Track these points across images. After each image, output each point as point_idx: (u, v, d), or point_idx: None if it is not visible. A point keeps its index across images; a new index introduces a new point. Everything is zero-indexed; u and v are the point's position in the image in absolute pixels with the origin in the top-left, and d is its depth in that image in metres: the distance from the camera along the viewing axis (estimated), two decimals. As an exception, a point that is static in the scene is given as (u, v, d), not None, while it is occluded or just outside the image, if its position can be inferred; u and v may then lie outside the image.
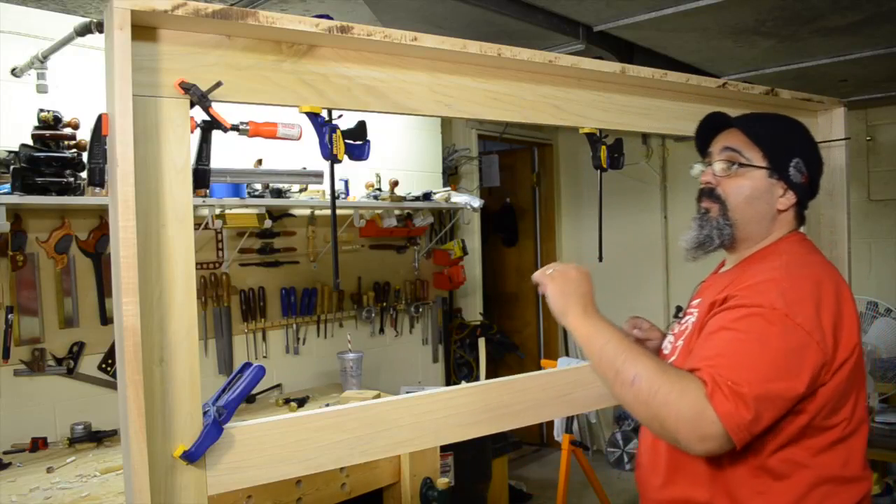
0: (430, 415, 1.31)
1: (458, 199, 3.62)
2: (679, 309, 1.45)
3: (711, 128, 1.36)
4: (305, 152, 2.92)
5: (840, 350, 1.13)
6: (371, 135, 1.30)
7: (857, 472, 1.20)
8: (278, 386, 3.04)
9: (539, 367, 3.82)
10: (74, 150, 2.25)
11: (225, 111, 1.10)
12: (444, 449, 2.49)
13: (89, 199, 2.28)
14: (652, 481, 1.30)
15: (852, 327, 1.17)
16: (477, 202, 3.62)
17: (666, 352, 1.38)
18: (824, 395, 1.13)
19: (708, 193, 1.31)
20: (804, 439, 1.15)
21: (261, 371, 1.13)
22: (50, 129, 2.20)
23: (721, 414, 1.01)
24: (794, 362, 1.08)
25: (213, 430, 1.06)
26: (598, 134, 1.57)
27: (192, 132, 1.06)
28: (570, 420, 3.27)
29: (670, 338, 1.40)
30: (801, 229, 1.35)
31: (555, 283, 1.25)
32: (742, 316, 1.11)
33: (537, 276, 1.31)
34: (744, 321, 1.11)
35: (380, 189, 3.35)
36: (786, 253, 1.24)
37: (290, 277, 3.11)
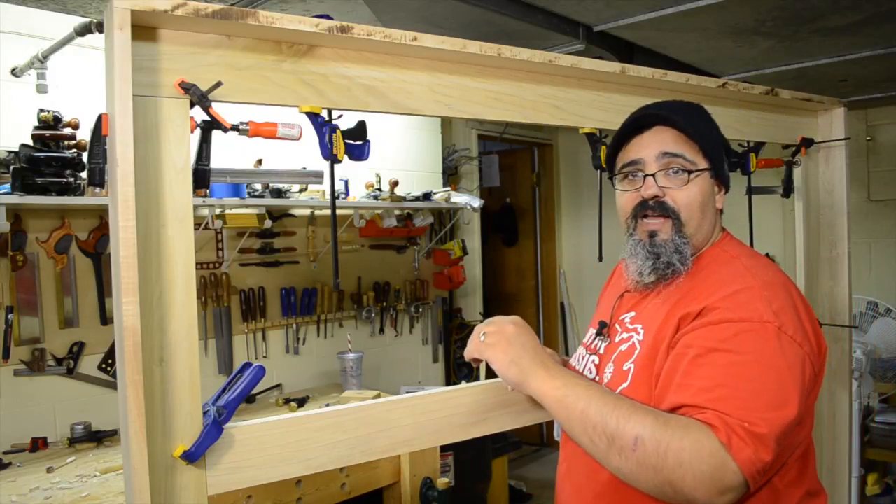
0: (430, 415, 1.30)
1: (458, 199, 3.62)
2: (603, 325, 1.24)
3: (631, 130, 1.19)
4: (305, 152, 2.92)
5: (823, 355, 1.06)
6: (371, 135, 1.30)
7: (817, 485, 1.12)
8: (278, 386, 3.04)
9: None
10: (74, 150, 2.25)
11: (225, 111, 1.10)
12: (444, 449, 2.49)
13: (89, 199, 2.28)
14: None
15: (820, 332, 1.08)
16: (477, 202, 3.62)
17: (591, 375, 1.21)
18: (809, 408, 1.05)
19: (656, 206, 1.12)
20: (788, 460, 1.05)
21: (261, 371, 1.12)
22: (50, 129, 2.20)
23: (741, 462, 0.89)
24: (797, 380, 0.96)
25: (213, 430, 1.06)
26: (598, 134, 1.57)
27: (192, 132, 1.06)
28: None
29: (592, 358, 1.23)
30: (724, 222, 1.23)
31: (497, 350, 1.07)
32: (733, 334, 0.98)
33: (471, 350, 1.11)
34: (736, 340, 0.97)
35: (380, 189, 3.35)
36: (738, 256, 1.12)
37: (290, 277, 3.11)
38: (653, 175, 1.13)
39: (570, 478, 1.23)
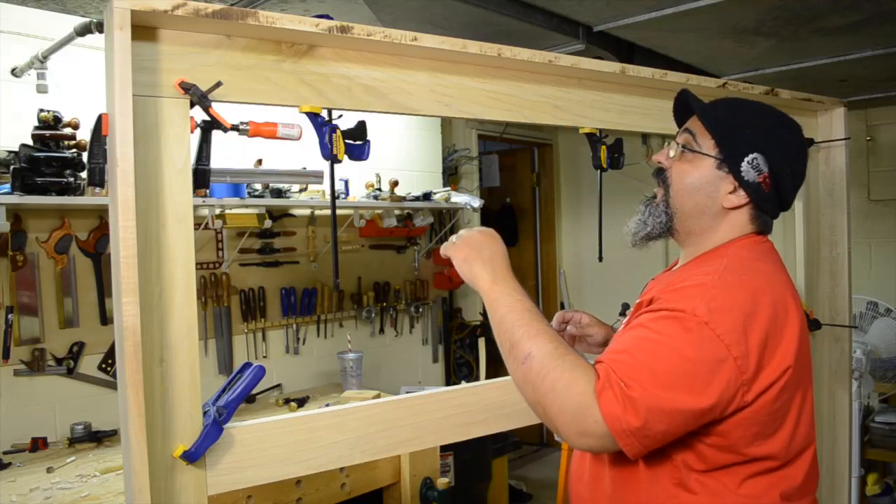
0: (430, 415, 1.30)
1: (458, 199, 3.62)
2: (626, 306, 1.35)
3: (685, 109, 1.24)
4: (305, 152, 2.92)
5: (766, 370, 1.02)
6: (371, 135, 1.30)
7: (794, 499, 1.10)
8: (278, 386, 3.04)
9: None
10: (74, 150, 2.25)
11: (225, 111, 1.10)
12: (444, 449, 2.49)
13: (89, 199, 2.28)
14: None
15: (790, 348, 1.04)
16: (477, 202, 3.62)
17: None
18: (747, 418, 1.02)
19: (657, 173, 1.22)
20: (732, 466, 1.05)
21: (261, 371, 1.13)
22: (50, 129, 2.20)
23: (605, 414, 0.94)
24: (703, 375, 0.97)
25: (213, 430, 1.06)
26: (598, 134, 1.57)
27: (192, 132, 1.06)
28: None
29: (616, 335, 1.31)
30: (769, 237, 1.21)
31: (457, 249, 1.15)
32: (659, 318, 1.02)
33: (444, 248, 1.20)
34: (659, 322, 1.02)
35: (380, 189, 3.35)
36: (728, 257, 1.11)
37: (290, 277, 3.11)
38: (669, 147, 1.21)
39: (575, 482, 1.27)
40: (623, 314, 1.33)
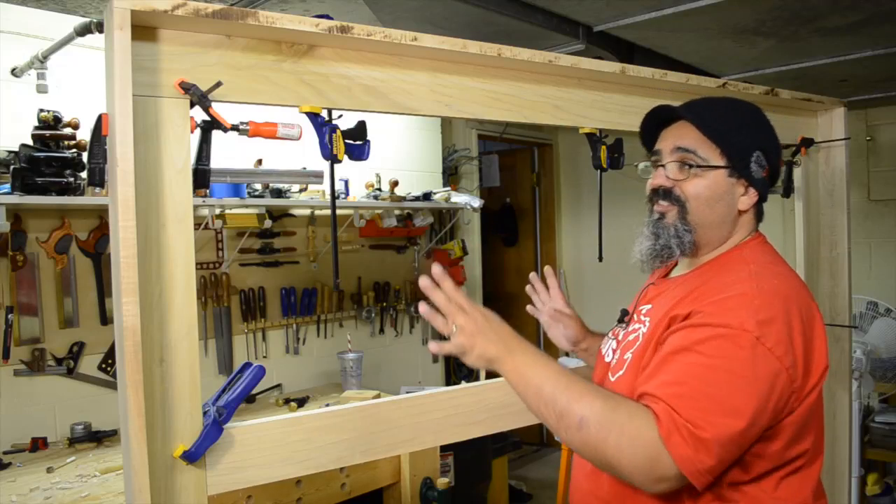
0: (430, 415, 1.31)
1: (458, 199, 3.62)
2: (625, 312, 1.30)
3: (657, 121, 1.22)
4: (305, 152, 2.92)
5: (811, 376, 1.04)
6: (371, 135, 1.30)
7: (819, 496, 1.12)
8: (278, 386, 3.04)
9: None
10: (74, 150, 2.25)
11: (225, 111, 1.10)
12: (444, 449, 2.49)
13: (89, 199, 2.28)
14: None
15: (822, 349, 1.08)
16: (477, 202, 3.62)
17: (608, 359, 1.25)
18: (791, 425, 1.04)
19: (664, 195, 1.17)
20: (773, 472, 1.06)
21: (261, 371, 1.13)
22: (50, 129, 2.20)
23: (677, 458, 0.93)
24: (764, 393, 0.97)
25: (213, 430, 1.06)
26: (598, 134, 1.57)
27: (192, 132, 1.06)
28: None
29: (612, 343, 1.27)
30: (760, 226, 1.22)
31: (462, 345, 1.05)
32: (708, 337, 1.00)
33: (440, 347, 1.08)
34: (709, 344, 0.99)
35: (380, 189, 3.35)
36: (752, 262, 1.11)
37: (290, 277, 3.11)
38: (664, 166, 1.17)
39: (577, 484, 1.26)
40: (621, 321, 1.29)
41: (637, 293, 1.33)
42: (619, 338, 1.25)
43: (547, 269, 1.51)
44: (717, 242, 1.18)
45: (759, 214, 1.21)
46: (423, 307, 1.10)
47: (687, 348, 1.01)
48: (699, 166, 1.14)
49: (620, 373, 1.17)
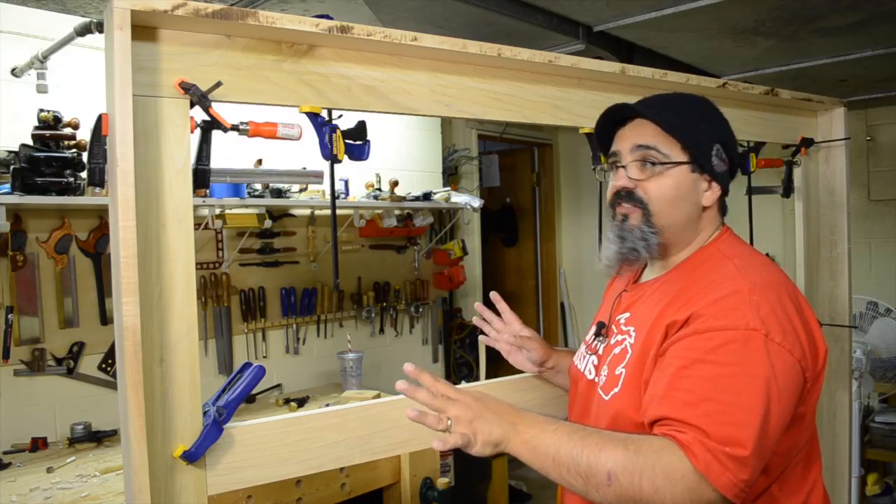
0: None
1: (458, 199, 3.62)
2: (601, 325, 1.24)
3: (610, 121, 1.19)
4: (305, 152, 2.92)
5: (818, 362, 1.03)
6: (371, 135, 1.30)
7: (820, 493, 1.10)
8: (278, 386, 3.04)
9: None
10: (74, 150, 2.25)
11: (225, 111, 1.10)
12: (444, 449, 2.49)
13: (89, 199, 2.28)
14: None
15: (819, 333, 1.06)
16: (477, 202, 3.62)
17: (590, 377, 1.20)
18: (804, 415, 1.03)
19: (626, 196, 1.13)
20: (787, 468, 1.05)
21: (261, 371, 1.13)
22: (50, 129, 2.20)
23: (721, 486, 0.90)
24: (783, 391, 0.95)
25: (213, 430, 1.06)
26: (598, 134, 1.57)
27: (192, 132, 1.06)
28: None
29: (592, 359, 1.22)
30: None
31: (464, 434, 0.99)
32: (718, 344, 0.96)
33: (442, 443, 0.99)
34: (721, 351, 0.96)
35: (380, 189, 3.35)
36: (734, 256, 1.09)
37: (290, 277, 3.11)
38: (624, 167, 1.14)
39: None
40: (599, 334, 1.24)
41: (607, 302, 1.28)
42: (600, 352, 1.20)
43: (493, 295, 1.44)
44: (686, 241, 1.15)
45: (722, 209, 1.18)
46: (399, 385, 1.04)
47: (699, 360, 0.97)
48: (662, 163, 1.11)
49: (616, 390, 1.11)
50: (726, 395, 0.93)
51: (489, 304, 1.48)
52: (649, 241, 1.11)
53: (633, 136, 1.14)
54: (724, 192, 1.16)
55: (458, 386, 1.08)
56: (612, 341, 1.18)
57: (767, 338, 0.96)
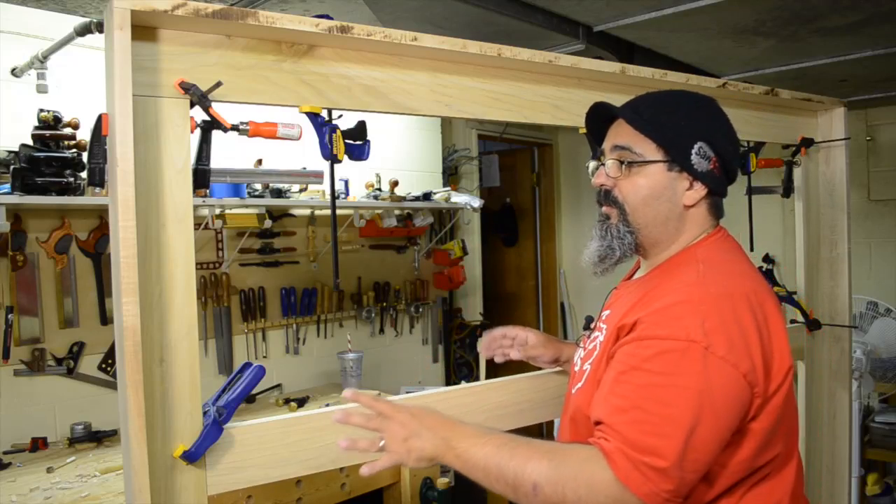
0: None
1: (458, 199, 3.62)
2: (590, 320, 1.26)
3: (601, 119, 1.19)
4: (305, 152, 2.92)
5: (773, 379, 0.99)
6: (371, 135, 1.30)
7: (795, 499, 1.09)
8: (278, 386, 3.04)
9: (538, 368, 3.81)
10: (74, 150, 2.25)
11: (225, 111, 1.10)
12: (444, 449, 2.49)
13: (89, 199, 2.28)
14: None
15: (783, 348, 1.02)
16: (477, 202, 3.62)
17: (576, 369, 1.21)
18: (758, 431, 1.00)
19: (605, 196, 1.14)
20: (738, 484, 1.03)
21: (261, 371, 1.13)
22: (50, 129, 2.20)
23: (643, 496, 0.91)
24: (720, 404, 0.93)
25: (213, 430, 1.06)
26: (597, 134, 1.57)
27: (192, 132, 1.06)
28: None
29: (580, 352, 1.23)
30: (721, 222, 1.17)
31: (399, 452, 1.02)
32: (655, 353, 0.96)
33: (374, 467, 1.03)
34: (658, 360, 0.95)
35: (380, 189, 3.35)
36: (703, 261, 1.07)
37: (290, 277, 3.11)
38: (603, 165, 1.15)
39: None
40: (587, 328, 1.25)
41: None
42: (587, 346, 1.21)
43: (497, 333, 1.45)
44: (667, 241, 1.13)
45: (715, 209, 1.15)
46: (335, 416, 1.08)
47: (636, 367, 0.97)
48: (634, 162, 1.10)
49: (580, 384, 1.14)
50: (655, 404, 0.94)
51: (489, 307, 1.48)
52: (624, 240, 1.12)
53: (613, 136, 1.15)
54: (717, 192, 1.14)
55: (400, 398, 1.12)
56: (592, 336, 1.20)
57: (707, 350, 0.94)
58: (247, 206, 2.78)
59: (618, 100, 1.50)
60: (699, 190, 1.11)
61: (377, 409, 1.06)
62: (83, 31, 2.02)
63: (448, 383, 3.85)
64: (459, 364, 3.96)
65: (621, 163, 1.11)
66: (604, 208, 1.16)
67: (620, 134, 1.13)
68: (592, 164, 1.19)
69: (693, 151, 1.09)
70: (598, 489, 0.93)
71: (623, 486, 0.91)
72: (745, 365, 0.95)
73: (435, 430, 1.03)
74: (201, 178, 1.14)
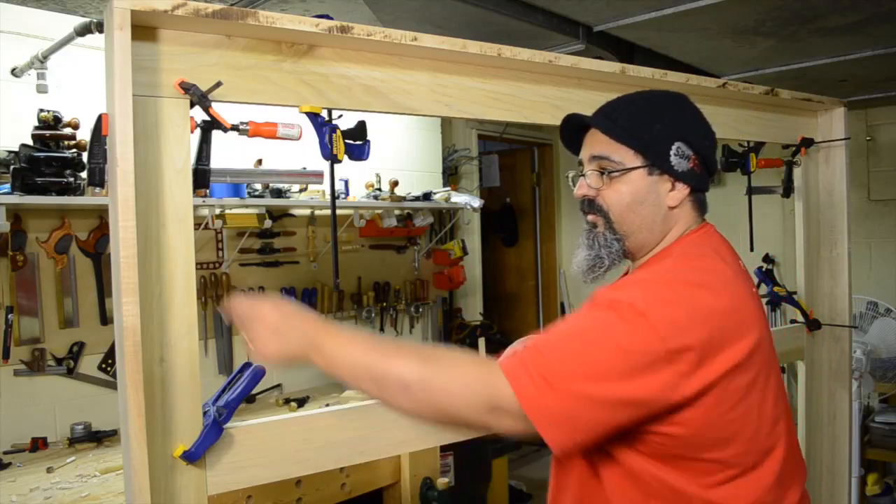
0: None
1: (458, 199, 3.62)
2: None
3: (574, 128, 1.19)
4: (305, 152, 2.92)
5: (710, 367, 0.95)
6: (371, 135, 1.30)
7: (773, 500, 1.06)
8: (278, 386, 3.04)
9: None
10: (74, 150, 2.25)
11: (225, 111, 1.10)
12: (444, 449, 2.49)
13: (89, 199, 2.28)
14: None
15: (739, 347, 0.98)
16: (477, 202, 3.62)
17: None
18: (697, 420, 0.97)
19: (589, 205, 1.15)
20: (694, 474, 1.01)
21: (261, 371, 1.13)
22: (50, 129, 2.20)
23: (518, 390, 0.91)
24: (634, 365, 0.93)
25: (213, 430, 1.06)
26: (597, 134, 1.57)
27: (192, 132, 1.06)
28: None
29: None
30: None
31: (265, 348, 1.01)
32: (592, 307, 1.00)
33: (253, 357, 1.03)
34: (593, 312, 0.99)
35: (380, 189, 3.35)
36: (674, 256, 1.09)
37: (290, 277, 3.11)
38: (584, 176, 1.15)
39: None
40: None
41: None
42: None
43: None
44: (653, 243, 1.14)
45: (699, 206, 1.15)
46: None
47: (573, 315, 1.01)
48: (615, 171, 1.10)
49: None
50: (569, 342, 0.96)
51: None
52: (612, 248, 1.13)
53: (590, 146, 1.15)
54: (699, 189, 1.14)
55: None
56: None
57: (642, 316, 0.94)
58: (247, 206, 2.78)
59: (618, 100, 1.51)
60: (682, 190, 1.12)
61: (237, 311, 1.03)
62: (83, 31, 2.02)
63: (448, 383, 3.85)
64: (459, 364, 3.95)
65: (601, 173, 1.12)
66: (589, 217, 1.16)
67: (597, 143, 1.13)
68: (572, 175, 1.20)
69: (671, 153, 1.10)
70: (472, 377, 0.94)
71: (503, 376, 0.92)
72: (676, 342, 0.93)
73: (304, 331, 1.02)
74: (201, 178, 1.15)
